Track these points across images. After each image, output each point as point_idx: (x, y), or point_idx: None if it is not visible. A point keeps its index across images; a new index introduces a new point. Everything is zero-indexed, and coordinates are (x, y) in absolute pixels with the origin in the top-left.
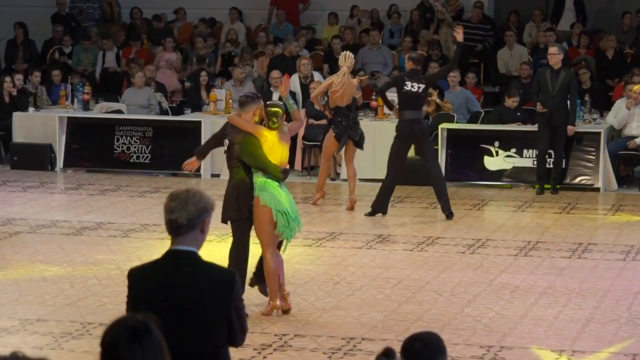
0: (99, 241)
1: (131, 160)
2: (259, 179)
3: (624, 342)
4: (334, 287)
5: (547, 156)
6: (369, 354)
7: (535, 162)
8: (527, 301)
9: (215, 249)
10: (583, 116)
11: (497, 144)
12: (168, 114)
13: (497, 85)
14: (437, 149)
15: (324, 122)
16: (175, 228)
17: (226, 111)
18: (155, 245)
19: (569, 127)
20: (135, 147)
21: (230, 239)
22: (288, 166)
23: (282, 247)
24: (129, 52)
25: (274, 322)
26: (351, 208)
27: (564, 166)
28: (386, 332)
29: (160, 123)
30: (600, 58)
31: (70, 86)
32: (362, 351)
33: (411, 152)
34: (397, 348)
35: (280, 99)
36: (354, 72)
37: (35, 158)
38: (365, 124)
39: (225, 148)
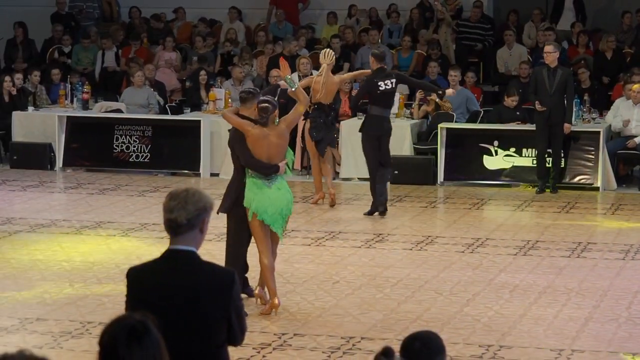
0: (99, 240)
1: (130, 160)
2: (248, 178)
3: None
4: (334, 286)
5: (546, 155)
6: (369, 353)
7: (534, 162)
8: (526, 300)
9: (214, 248)
10: (582, 115)
11: (496, 143)
12: (167, 113)
13: (497, 84)
14: (438, 147)
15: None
16: (174, 227)
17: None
18: (155, 245)
19: (566, 125)
20: (134, 147)
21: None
22: (283, 162)
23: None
24: (129, 51)
25: (273, 322)
26: (332, 204)
27: (562, 165)
28: (385, 331)
29: (160, 122)
30: (599, 58)
31: (69, 85)
32: (361, 350)
33: (408, 151)
34: (397, 347)
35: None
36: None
37: (34, 157)
38: None
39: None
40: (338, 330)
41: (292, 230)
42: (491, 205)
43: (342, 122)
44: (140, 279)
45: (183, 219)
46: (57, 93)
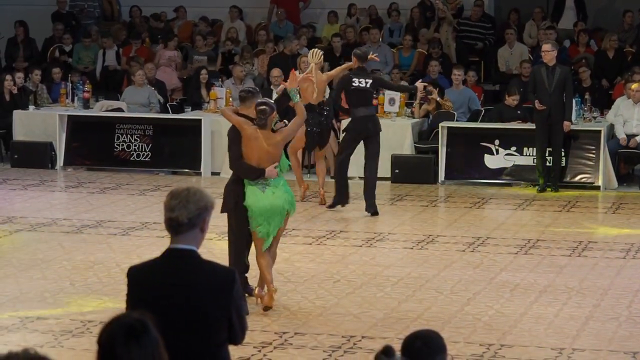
0: (99, 239)
1: (131, 159)
2: (245, 182)
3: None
4: (334, 285)
5: (546, 154)
6: (369, 352)
7: (535, 161)
8: (527, 299)
9: (215, 247)
10: (583, 114)
11: (497, 142)
12: (168, 112)
13: (498, 83)
14: (439, 146)
15: None
16: (175, 226)
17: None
18: (156, 244)
19: (566, 123)
20: (135, 145)
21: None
22: (272, 165)
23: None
24: (129, 50)
25: (274, 320)
26: (322, 202)
27: (563, 164)
28: (386, 330)
29: (161, 121)
30: (601, 57)
31: (70, 84)
32: (362, 349)
33: (409, 150)
34: (397, 346)
35: (284, 92)
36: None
37: (35, 156)
38: None
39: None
40: (339, 329)
41: (293, 229)
42: (492, 204)
43: (342, 121)
44: (140, 277)
45: (184, 218)
46: (58, 92)
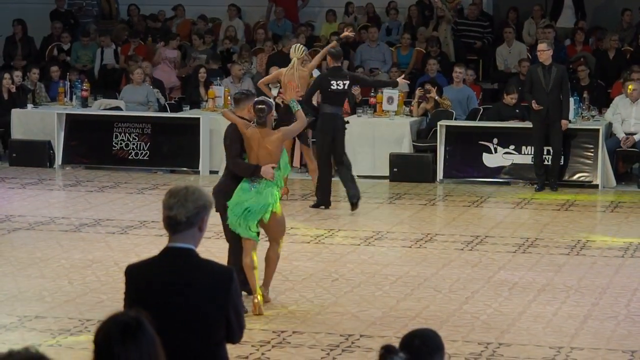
0: (98, 238)
1: (130, 157)
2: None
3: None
4: (333, 284)
5: (544, 153)
6: (367, 350)
7: (533, 159)
8: (525, 298)
9: (213, 245)
10: (582, 113)
11: (495, 140)
12: (166, 111)
13: (496, 82)
14: (437, 145)
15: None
16: (173, 225)
17: (225, 108)
18: (154, 242)
19: (563, 122)
20: (133, 144)
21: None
22: (269, 165)
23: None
24: (128, 49)
25: (272, 319)
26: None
27: (562, 163)
28: (384, 328)
29: (159, 120)
30: (601, 57)
31: (68, 83)
32: (360, 348)
33: (408, 149)
34: (396, 345)
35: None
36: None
37: (33, 155)
38: (364, 120)
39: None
40: (337, 327)
41: (292, 228)
42: (490, 203)
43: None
44: (138, 276)
45: (182, 217)
46: (56, 90)
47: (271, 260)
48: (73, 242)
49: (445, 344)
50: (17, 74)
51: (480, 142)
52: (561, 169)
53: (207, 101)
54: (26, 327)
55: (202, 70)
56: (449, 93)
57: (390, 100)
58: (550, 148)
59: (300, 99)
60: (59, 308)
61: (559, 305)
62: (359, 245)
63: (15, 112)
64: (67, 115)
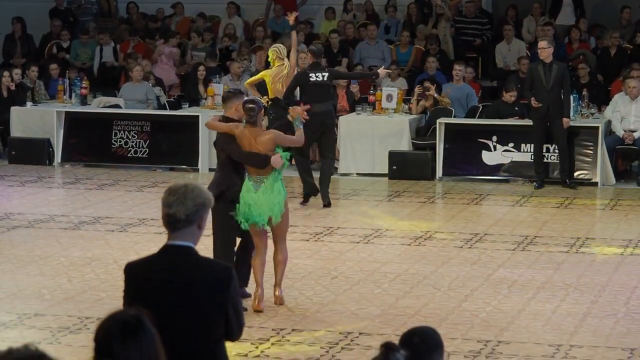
0: (97, 236)
1: (129, 155)
2: (245, 181)
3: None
4: (332, 282)
5: (543, 151)
6: (367, 348)
7: (532, 157)
8: (524, 296)
9: (212, 243)
10: (581, 111)
11: (494, 138)
12: (166, 109)
13: (495, 79)
14: (436, 142)
15: None
16: (172, 223)
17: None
18: (153, 240)
19: (565, 120)
20: (133, 142)
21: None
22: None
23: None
24: (127, 46)
25: (271, 317)
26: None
27: (559, 160)
28: (384, 326)
29: (158, 117)
30: (603, 54)
31: (68, 81)
32: (359, 345)
33: (407, 147)
34: (395, 342)
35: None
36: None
37: (33, 152)
38: (363, 118)
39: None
40: (336, 325)
41: (291, 226)
42: (490, 201)
43: (340, 118)
44: (138, 274)
45: (181, 215)
46: (55, 88)
47: (280, 263)
48: (72, 239)
49: (444, 342)
50: (17, 72)
51: (480, 140)
52: (560, 166)
53: (206, 99)
54: (25, 325)
55: (201, 68)
56: (450, 90)
57: (389, 97)
58: (549, 146)
59: (307, 118)
60: (58, 306)
61: (558, 303)
62: (358, 243)
63: (15, 110)
64: (67, 113)
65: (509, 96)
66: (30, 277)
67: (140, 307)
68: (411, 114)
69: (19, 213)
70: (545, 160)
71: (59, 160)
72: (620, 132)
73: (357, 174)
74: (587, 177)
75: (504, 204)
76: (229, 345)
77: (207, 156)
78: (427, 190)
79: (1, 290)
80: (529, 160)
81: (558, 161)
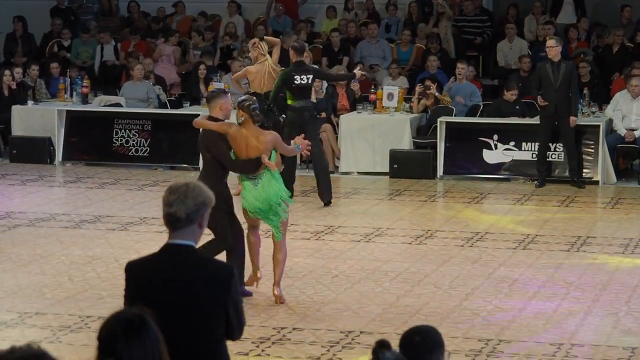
0: (98, 234)
1: (130, 154)
2: (242, 180)
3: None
4: (333, 280)
5: (547, 150)
6: (367, 347)
7: (534, 155)
8: (525, 294)
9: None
10: (582, 109)
11: (496, 137)
12: (167, 107)
13: (496, 78)
14: (437, 141)
15: (323, 115)
16: (173, 222)
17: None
18: (154, 239)
19: (572, 118)
20: (134, 141)
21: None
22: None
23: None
24: (128, 45)
25: (272, 316)
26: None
27: (562, 159)
28: (384, 325)
29: (159, 116)
30: (605, 52)
31: (69, 79)
32: (360, 344)
33: (408, 145)
34: (395, 342)
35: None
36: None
37: (34, 151)
38: (364, 117)
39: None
40: (337, 324)
41: (291, 224)
42: (491, 199)
43: (340, 116)
44: (138, 273)
45: (182, 214)
46: (56, 87)
47: (279, 261)
48: (73, 238)
49: (445, 341)
50: (18, 71)
51: (481, 139)
52: (562, 165)
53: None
54: (26, 324)
55: (202, 66)
56: (454, 89)
57: (390, 96)
58: (552, 144)
59: (309, 153)
60: (59, 304)
61: (559, 302)
62: (359, 241)
63: (16, 109)
64: (68, 111)
65: (510, 95)
66: (31, 275)
67: (142, 306)
68: (412, 112)
69: (20, 212)
70: (548, 159)
71: (60, 159)
72: (621, 131)
73: (357, 172)
74: (588, 175)
75: (505, 203)
76: (229, 344)
77: None
78: (428, 189)
79: (2, 289)
80: (530, 158)
81: (561, 160)
